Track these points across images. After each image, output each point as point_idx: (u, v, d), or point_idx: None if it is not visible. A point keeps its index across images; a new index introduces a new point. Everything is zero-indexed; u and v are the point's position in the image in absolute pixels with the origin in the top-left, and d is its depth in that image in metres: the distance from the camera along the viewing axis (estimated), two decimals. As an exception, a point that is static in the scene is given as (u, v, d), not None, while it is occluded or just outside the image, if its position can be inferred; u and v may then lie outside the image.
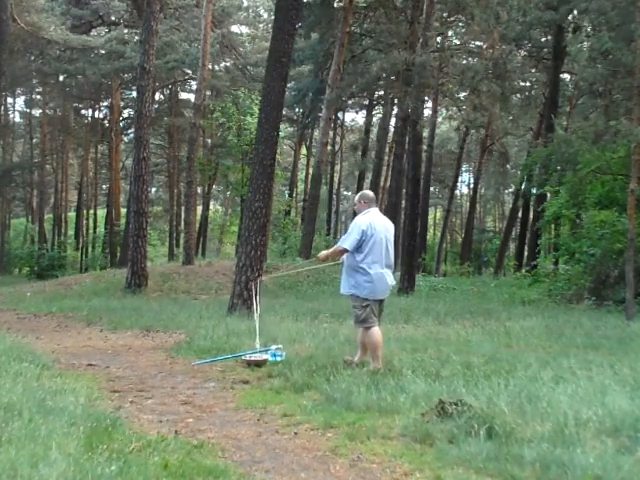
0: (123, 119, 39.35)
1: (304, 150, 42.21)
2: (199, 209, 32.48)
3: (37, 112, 42.53)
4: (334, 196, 41.63)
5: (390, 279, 6.12)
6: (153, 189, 46.21)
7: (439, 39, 26.74)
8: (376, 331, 5.99)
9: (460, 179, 45.53)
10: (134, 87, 31.54)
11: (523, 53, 27.11)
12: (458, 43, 28.97)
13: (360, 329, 6.14)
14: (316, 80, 29.62)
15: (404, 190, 22.18)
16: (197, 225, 30.40)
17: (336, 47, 23.24)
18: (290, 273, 6.89)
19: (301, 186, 44.35)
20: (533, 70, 29.19)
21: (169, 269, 19.45)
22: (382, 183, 34.87)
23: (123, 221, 31.83)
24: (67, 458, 3.20)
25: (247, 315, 10.00)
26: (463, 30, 28.01)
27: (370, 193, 6.50)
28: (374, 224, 6.03)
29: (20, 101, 43.81)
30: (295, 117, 39.92)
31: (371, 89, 32.93)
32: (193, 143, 22.08)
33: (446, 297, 16.39)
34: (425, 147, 24.97)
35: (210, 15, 22.44)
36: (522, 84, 28.96)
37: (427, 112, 29.60)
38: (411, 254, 17.61)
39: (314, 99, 30.67)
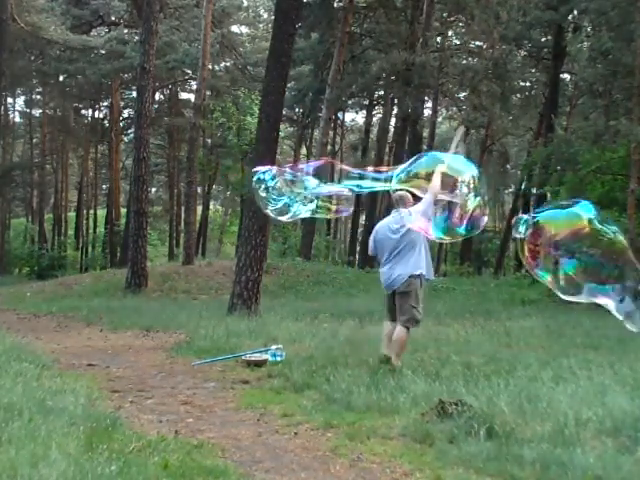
0: (123, 119, 39.28)
1: (304, 150, 42.14)
2: (199, 209, 32.44)
3: (37, 112, 42.40)
4: (334, 196, 41.51)
5: (396, 273, 5.97)
6: (153, 189, 46.06)
7: (439, 39, 26.77)
8: (384, 324, 6.21)
9: (460, 179, 45.42)
10: (134, 87, 31.44)
11: (523, 53, 27.09)
12: (458, 43, 28.97)
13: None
14: (316, 80, 29.54)
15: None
16: (197, 225, 30.35)
17: (336, 47, 23.22)
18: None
19: (301, 186, 44.22)
20: (533, 70, 29.14)
21: (169, 269, 19.43)
22: (382, 183, 34.77)
23: (123, 221, 31.77)
24: (67, 458, 3.20)
25: (247, 315, 10.02)
26: (463, 30, 28.01)
27: (394, 195, 6.10)
28: (377, 229, 6.32)
29: (20, 101, 43.66)
30: (295, 117, 39.85)
31: (371, 89, 32.82)
32: (193, 143, 22.05)
33: (446, 297, 16.35)
34: (425, 147, 24.94)
35: (210, 15, 22.38)
36: (522, 84, 28.92)
37: (427, 112, 29.61)
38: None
39: (314, 99, 30.59)
